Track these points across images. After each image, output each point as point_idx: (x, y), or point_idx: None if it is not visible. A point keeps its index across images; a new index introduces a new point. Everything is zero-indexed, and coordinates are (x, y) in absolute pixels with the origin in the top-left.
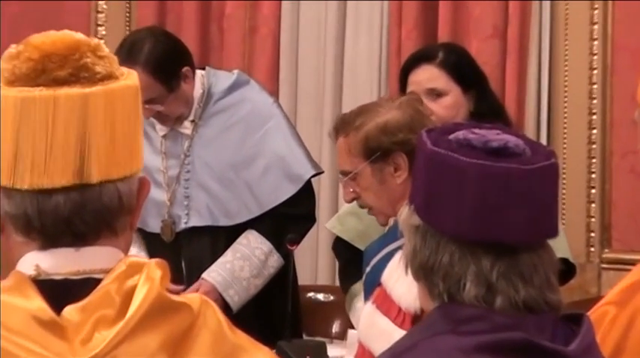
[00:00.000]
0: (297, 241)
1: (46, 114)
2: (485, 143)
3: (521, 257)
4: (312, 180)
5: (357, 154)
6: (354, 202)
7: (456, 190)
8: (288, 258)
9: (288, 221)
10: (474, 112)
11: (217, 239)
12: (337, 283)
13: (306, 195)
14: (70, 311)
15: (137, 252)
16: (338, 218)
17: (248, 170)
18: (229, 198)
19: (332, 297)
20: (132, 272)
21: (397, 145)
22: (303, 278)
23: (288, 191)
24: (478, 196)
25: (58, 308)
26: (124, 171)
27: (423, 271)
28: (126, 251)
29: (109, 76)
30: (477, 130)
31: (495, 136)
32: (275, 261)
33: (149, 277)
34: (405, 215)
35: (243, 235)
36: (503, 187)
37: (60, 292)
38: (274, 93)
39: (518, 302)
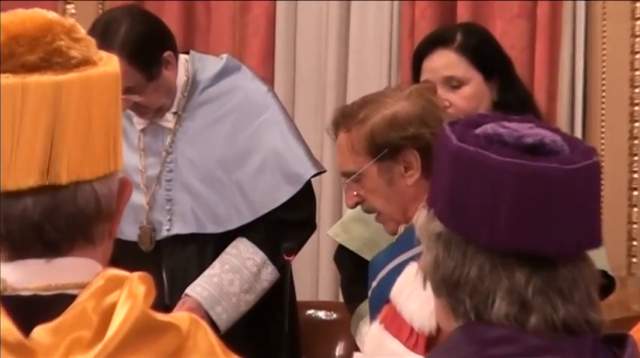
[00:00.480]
0: (294, 251)
1: (13, 105)
2: (519, 139)
3: (560, 270)
4: (313, 180)
5: (361, 152)
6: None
7: (487, 193)
8: (284, 270)
9: (284, 228)
10: (498, 103)
11: (204, 248)
12: (341, 299)
13: (305, 198)
14: (40, 332)
15: None
16: (342, 224)
17: (239, 169)
18: (218, 201)
19: (335, 315)
20: (111, 288)
21: (407, 141)
22: (302, 294)
23: (285, 193)
24: (513, 200)
25: (26, 328)
26: (102, 170)
27: (445, 286)
28: (104, 263)
29: (86, 62)
30: (507, 124)
31: (529, 131)
32: (269, 273)
33: (131, 293)
34: (424, 220)
35: (233, 244)
36: (542, 190)
37: (28, 310)
38: (269, 80)
39: (557, 321)
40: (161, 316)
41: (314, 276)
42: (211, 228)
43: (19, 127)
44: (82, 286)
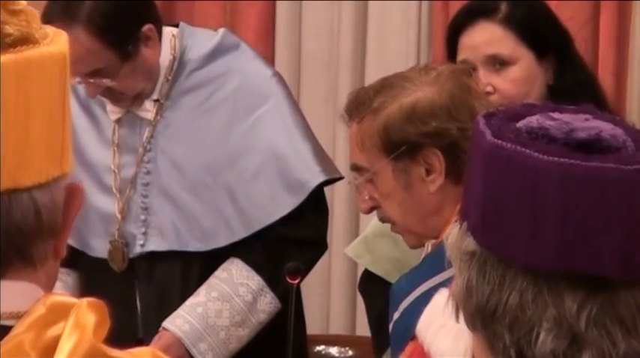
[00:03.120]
0: (300, 272)
1: None
2: (570, 133)
3: (620, 296)
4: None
5: (373, 149)
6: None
7: (527, 201)
8: (286, 297)
9: (287, 247)
10: (555, 87)
11: (187, 270)
12: (358, 333)
13: (313, 211)
14: None
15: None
16: (364, 241)
17: (231, 172)
18: (204, 212)
19: (350, 352)
20: (54, 318)
21: (429, 138)
22: (311, 326)
23: (284, 205)
24: (561, 209)
25: None
26: (44, 175)
27: (480, 317)
28: (47, 287)
29: (25, 40)
30: (556, 115)
31: (583, 123)
32: (267, 303)
33: (78, 324)
34: (455, 237)
35: (224, 266)
36: (596, 197)
37: None
38: (267, 61)
39: None
40: (116, 352)
41: (324, 305)
42: (195, 246)
43: None
44: (19, 316)
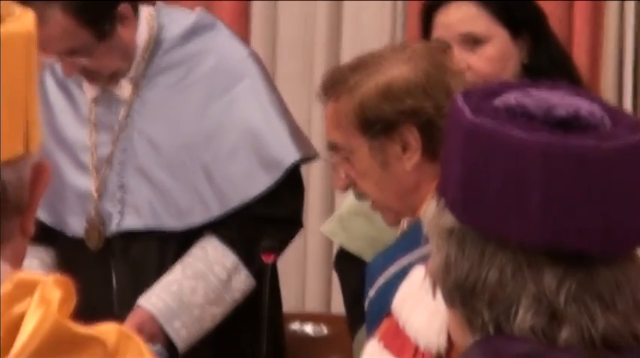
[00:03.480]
0: (275, 250)
1: None
2: (549, 110)
3: (599, 272)
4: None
5: (350, 126)
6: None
7: (509, 178)
8: (261, 275)
9: (262, 225)
10: (529, 66)
11: (164, 249)
12: (333, 310)
13: (289, 190)
14: None
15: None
16: (339, 219)
17: (207, 151)
18: (180, 190)
19: (325, 330)
20: (20, 294)
21: (405, 116)
22: (286, 304)
23: (260, 183)
24: (541, 186)
25: None
26: (8, 153)
27: (459, 293)
28: (15, 264)
29: None
30: (534, 92)
31: (561, 101)
32: (242, 281)
33: (43, 299)
34: (433, 214)
35: (199, 244)
36: (576, 173)
37: None
38: (243, 40)
39: (595, 335)
40: (81, 328)
41: (299, 283)
42: (171, 223)
43: None
44: None
